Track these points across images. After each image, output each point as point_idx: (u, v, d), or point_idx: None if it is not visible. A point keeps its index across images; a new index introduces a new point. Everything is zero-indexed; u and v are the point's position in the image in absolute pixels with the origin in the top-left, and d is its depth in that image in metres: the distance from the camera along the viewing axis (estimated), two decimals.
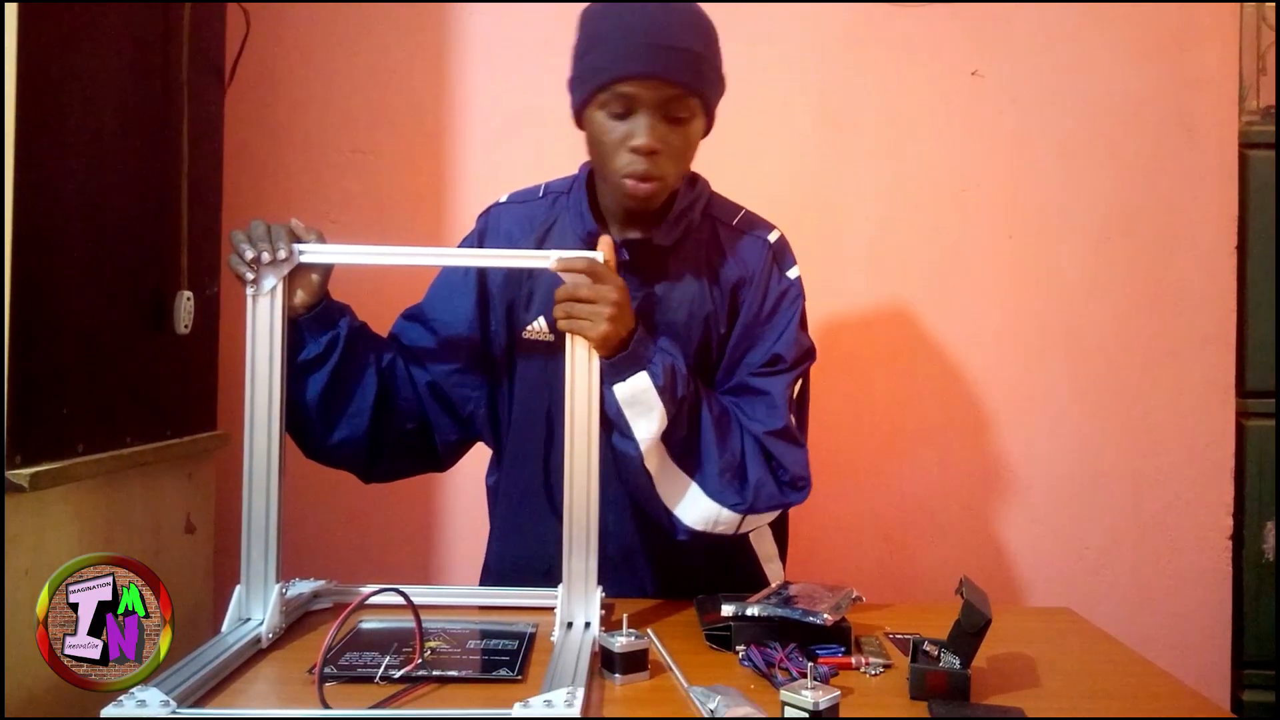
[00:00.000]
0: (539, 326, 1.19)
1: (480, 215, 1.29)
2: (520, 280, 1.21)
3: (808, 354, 1.19)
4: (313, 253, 1.02)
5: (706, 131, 1.18)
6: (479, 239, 1.26)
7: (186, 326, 1.43)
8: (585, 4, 1.15)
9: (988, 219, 1.77)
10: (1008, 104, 1.77)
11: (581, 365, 1.02)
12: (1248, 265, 1.76)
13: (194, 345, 1.48)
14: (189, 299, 1.43)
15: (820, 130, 1.77)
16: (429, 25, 1.77)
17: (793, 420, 1.15)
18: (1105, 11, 1.76)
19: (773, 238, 1.22)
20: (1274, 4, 1.77)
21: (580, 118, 1.13)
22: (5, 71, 1.06)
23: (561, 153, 1.79)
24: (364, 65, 1.76)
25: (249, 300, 1.00)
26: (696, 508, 1.09)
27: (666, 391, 1.06)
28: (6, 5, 1.06)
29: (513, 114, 1.76)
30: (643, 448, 1.07)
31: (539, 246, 1.20)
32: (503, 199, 1.29)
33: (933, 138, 1.77)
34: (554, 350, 1.17)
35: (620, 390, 1.05)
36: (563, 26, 1.74)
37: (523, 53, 1.76)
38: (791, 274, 1.21)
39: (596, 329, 1.03)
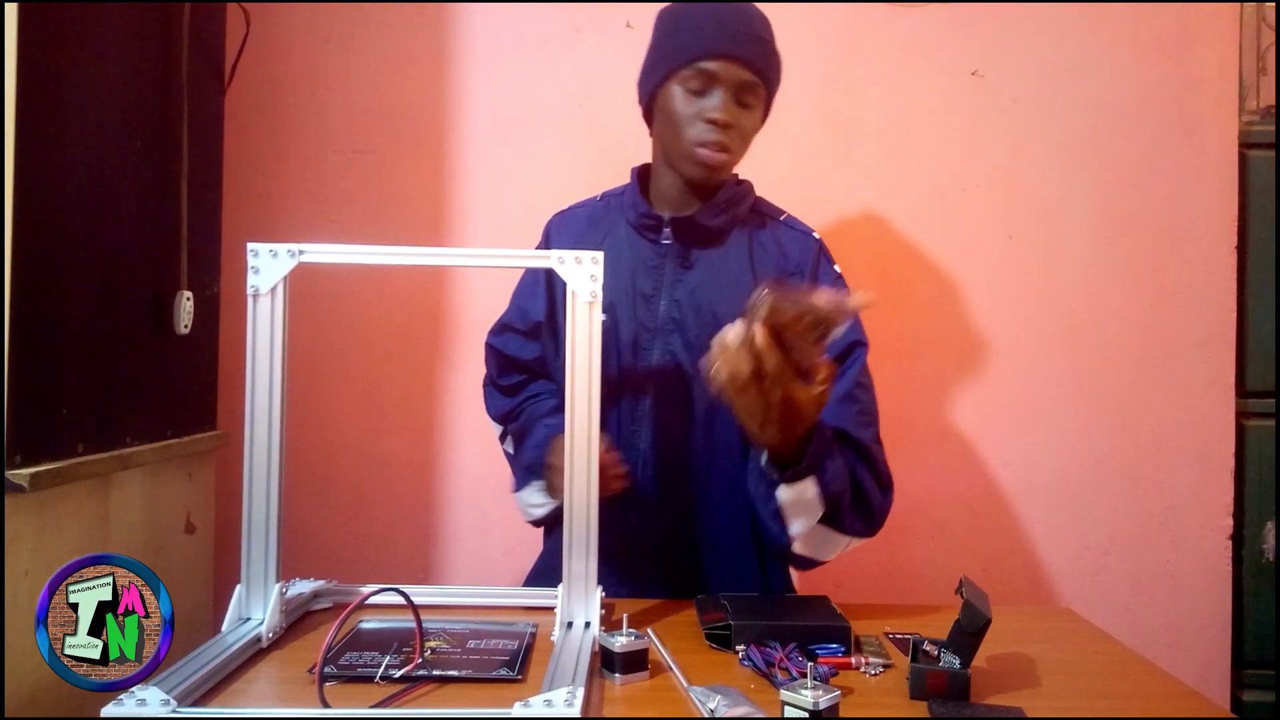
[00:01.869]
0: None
1: (549, 223, 1.37)
2: None
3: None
4: (313, 253, 1.02)
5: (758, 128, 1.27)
6: (546, 241, 1.35)
7: (186, 326, 1.43)
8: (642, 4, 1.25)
9: (988, 219, 1.77)
10: (1008, 104, 1.77)
11: (582, 364, 1.02)
12: (1248, 265, 1.76)
13: (194, 345, 1.49)
14: (189, 299, 1.43)
15: (820, 130, 1.77)
16: (429, 25, 1.77)
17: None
18: (1105, 11, 1.76)
19: (817, 235, 1.30)
20: (1274, 4, 1.77)
21: (653, 100, 1.22)
22: (5, 71, 1.06)
23: (561, 152, 1.80)
24: (364, 65, 1.76)
25: (249, 300, 1.00)
26: (834, 549, 1.11)
27: (830, 494, 1.04)
28: (6, 5, 1.06)
29: (513, 114, 1.76)
30: (795, 539, 1.07)
31: (593, 238, 1.27)
32: (564, 208, 1.38)
33: (933, 138, 1.77)
34: (607, 330, 1.21)
35: (784, 493, 1.03)
36: (562, 27, 1.76)
37: (523, 53, 1.77)
38: (837, 269, 1.28)
39: (766, 431, 0.96)
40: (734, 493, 1.22)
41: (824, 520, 1.06)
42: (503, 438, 1.39)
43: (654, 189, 1.28)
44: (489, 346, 1.39)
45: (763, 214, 1.30)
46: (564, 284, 1.26)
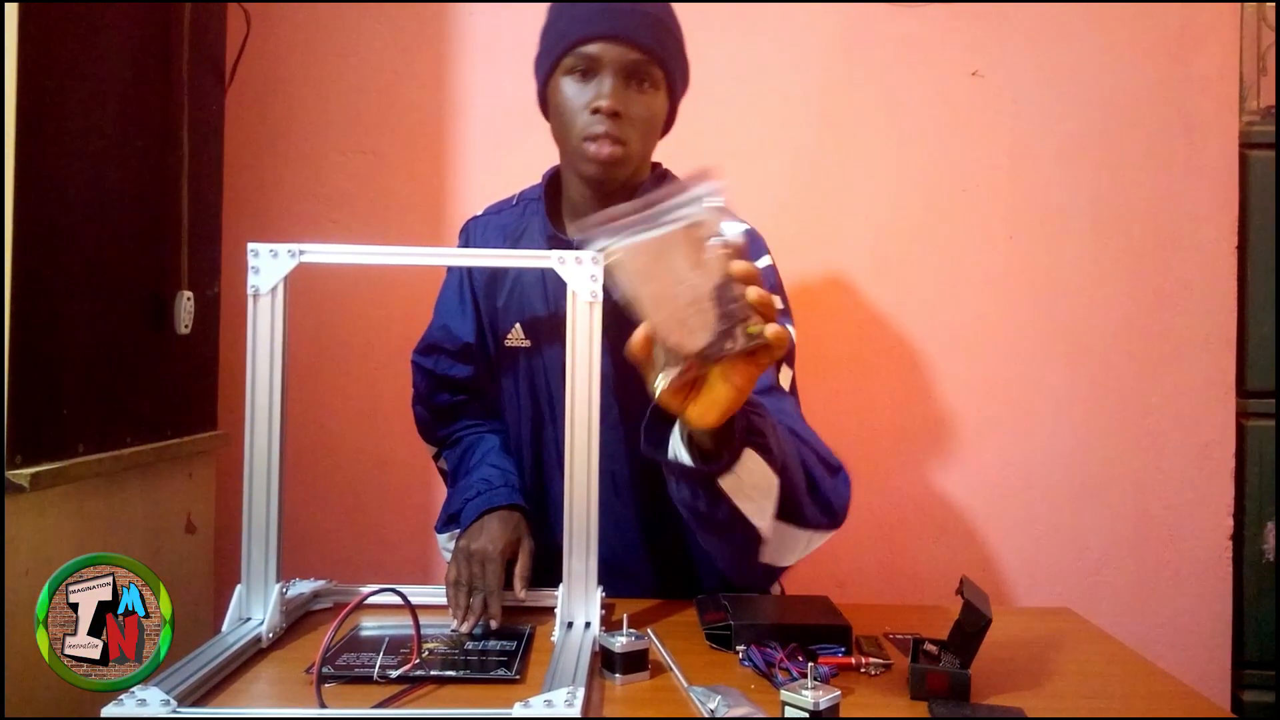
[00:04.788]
0: (517, 334, 1.20)
1: (460, 231, 1.32)
2: (496, 288, 1.23)
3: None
4: (313, 253, 1.02)
5: (669, 124, 1.19)
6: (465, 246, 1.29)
7: (186, 326, 1.43)
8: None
9: (988, 219, 1.77)
10: (1008, 104, 1.77)
11: (582, 365, 1.02)
12: (1248, 265, 1.76)
13: (194, 345, 1.48)
14: (189, 299, 1.43)
15: (820, 130, 1.77)
16: (429, 25, 1.77)
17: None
18: (1105, 11, 1.76)
19: (745, 228, 1.18)
20: (1274, 4, 1.77)
21: (545, 98, 1.14)
22: (5, 71, 1.06)
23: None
24: (364, 65, 1.76)
25: (249, 300, 1.00)
26: (794, 548, 0.98)
27: (777, 462, 0.88)
28: (6, 5, 1.06)
29: (513, 114, 1.76)
30: (766, 533, 0.92)
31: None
32: (479, 212, 1.31)
33: (933, 138, 1.77)
34: (531, 356, 1.19)
35: (728, 481, 0.86)
36: None
37: (523, 53, 1.76)
38: (759, 264, 1.16)
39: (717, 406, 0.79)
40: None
41: (781, 516, 0.93)
42: (436, 457, 1.35)
43: (565, 198, 1.21)
44: (416, 365, 1.31)
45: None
46: (490, 305, 1.23)
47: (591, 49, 1.06)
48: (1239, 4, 1.76)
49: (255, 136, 1.75)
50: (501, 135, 1.76)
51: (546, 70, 1.12)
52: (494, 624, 1.02)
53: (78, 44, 1.20)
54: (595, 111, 1.06)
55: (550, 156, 1.81)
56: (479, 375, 1.28)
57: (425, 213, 1.77)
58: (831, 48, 1.77)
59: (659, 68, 1.09)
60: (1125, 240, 1.77)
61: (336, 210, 1.76)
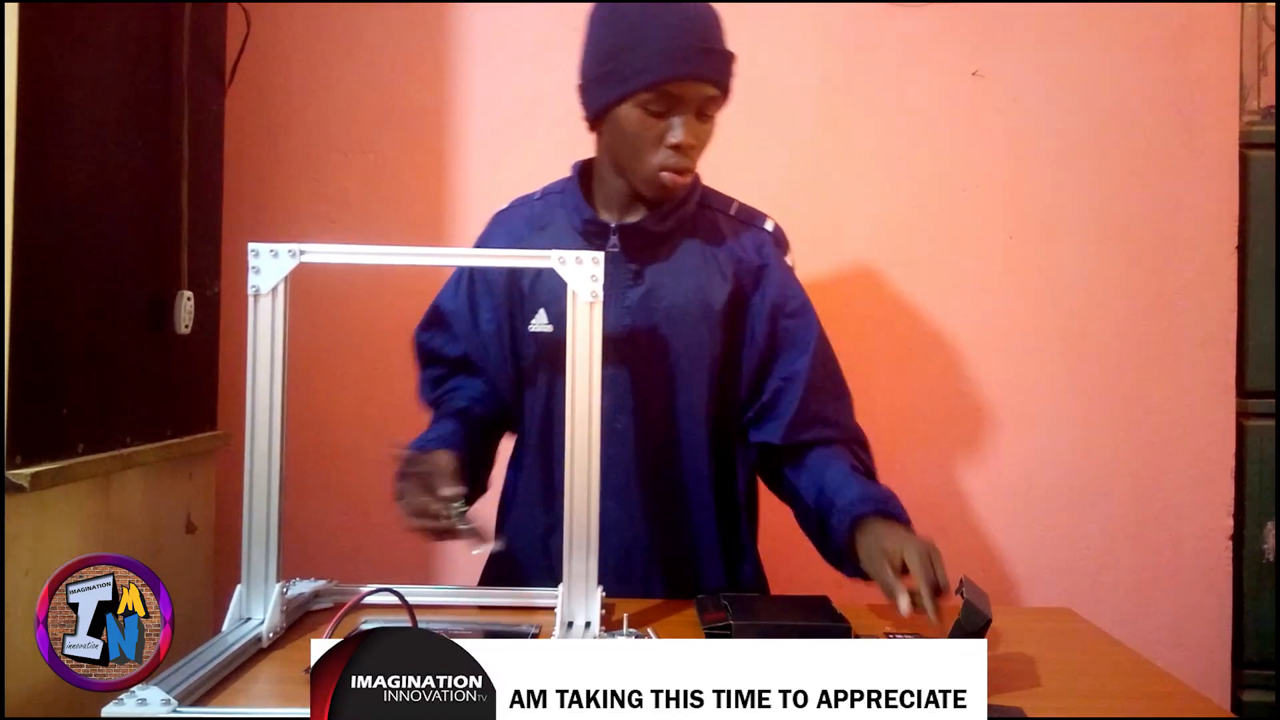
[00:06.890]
0: (541, 320, 1.20)
1: (488, 223, 1.33)
2: (521, 271, 1.24)
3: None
4: (314, 253, 1.01)
5: None
6: (484, 243, 1.31)
7: (186, 326, 1.43)
8: (596, 2, 1.17)
9: (987, 219, 1.77)
10: (1008, 104, 1.77)
11: (583, 364, 1.02)
12: (1248, 266, 1.76)
13: (194, 345, 1.49)
14: (189, 299, 1.43)
15: (820, 130, 1.77)
16: (429, 25, 1.77)
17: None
18: (1105, 11, 1.76)
19: (769, 226, 1.26)
20: (1274, 4, 1.77)
21: (603, 113, 1.14)
22: (5, 71, 1.06)
23: (561, 152, 1.79)
24: (364, 65, 1.76)
25: (250, 300, 1.00)
26: None
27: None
28: (6, 5, 1.06)
29: (513, 114, 1.76)
30: None
31: (535, 242, 1.22)
32: (504, 206, 1.32)
33: (933, 138, 1.77)
34: (557, 343, 1.19)
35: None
36: (563, 26, 1.76)
37: (523, 53, 1.76)
38: (789, 260, 1.27)
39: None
40: (698, 492, 1.21)
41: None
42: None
43: (599, 192, 1.23)
44: (415, 344, 1.34)
45: (712, 208, 1.25)
46: (514, 289, 1.22)
47: (674, 89, 1.09)
48: (1239, 4, 1.76)
49: (255, 136, 1.75)
50: (501, 135, 1.76)
51: (617, 96, 1.11)
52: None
53: (78, 44, 1.20)
54: (674, 147, 1.10)
55: (551, 155, 1.81)
56: (470, 355, 1.29)
57: (425, 213, 1.77)
58: (831, 48, 1.77)
59: (724, 97, 1.14)
60: (1125, 240, 1.77)
61: (336, 210, 1.76)
